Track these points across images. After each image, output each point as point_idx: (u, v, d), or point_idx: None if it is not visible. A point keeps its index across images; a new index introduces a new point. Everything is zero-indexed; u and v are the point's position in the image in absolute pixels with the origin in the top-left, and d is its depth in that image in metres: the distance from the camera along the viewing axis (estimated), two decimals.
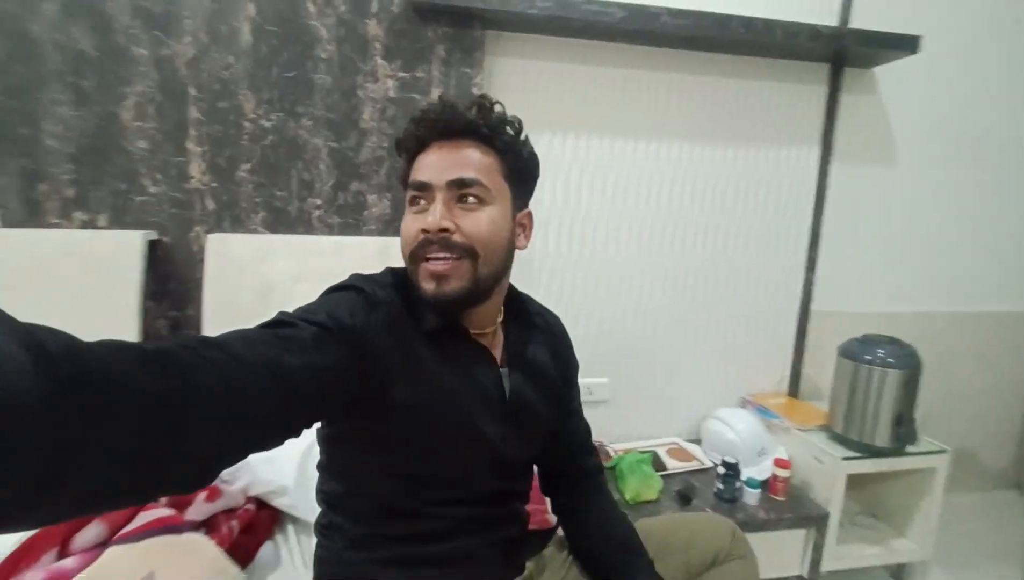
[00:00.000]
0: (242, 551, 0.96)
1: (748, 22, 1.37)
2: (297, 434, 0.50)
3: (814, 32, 1.41)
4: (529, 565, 0.78)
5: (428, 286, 0.62)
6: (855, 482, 1.41)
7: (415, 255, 0.63)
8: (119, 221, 1.28)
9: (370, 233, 1.38)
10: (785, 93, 1.57)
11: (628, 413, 1.64)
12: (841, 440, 1.41)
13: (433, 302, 0.62)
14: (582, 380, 1.55)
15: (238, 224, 1.32)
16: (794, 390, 1.72)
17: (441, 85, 1.35)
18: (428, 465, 0.66)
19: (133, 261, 1.22)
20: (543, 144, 1.46)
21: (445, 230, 0.61)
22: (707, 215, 1.60)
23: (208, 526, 0.95)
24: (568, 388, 0.84)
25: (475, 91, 1.36)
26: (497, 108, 0.66)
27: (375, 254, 1.32)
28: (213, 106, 1.27)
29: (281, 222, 1.34)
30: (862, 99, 1.62)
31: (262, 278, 1.28)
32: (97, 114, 1.23)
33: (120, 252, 1.22)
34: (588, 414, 1.63)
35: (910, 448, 1.40)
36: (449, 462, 0.67)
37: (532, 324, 0.78)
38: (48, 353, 0.28)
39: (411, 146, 0.66)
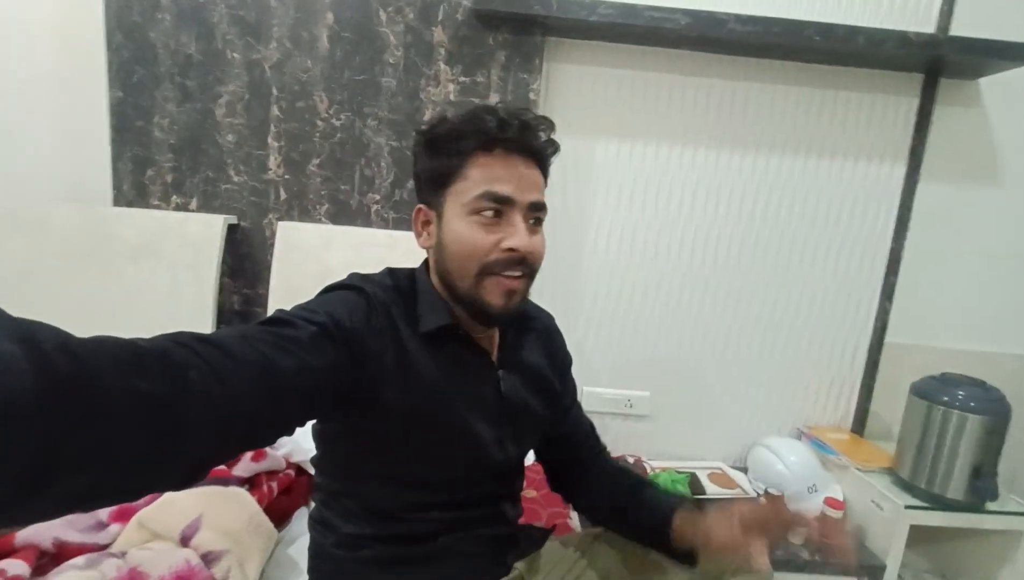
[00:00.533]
0: (278, 512, 1.04)
1: (826, 29, 1.29)
2: (290, 432, 0.50)
3: (903, 39, 1.29)
4: (520, 565, 0.76)
5: (498, 301, 0.62)
6: (922, 536, 1.27)
7: (488, 268, 0.62)
8: (207, 205, 1.43)
9: None
10: (866, 104, 1.46)
11: (670, 430, 1.59)
12: (907, 487, 1.28)
13: (497, 316, 0.64)
14: (621, 391, 1.56)
15: (305, 214, 1.44)
16: (859, 427, 1.58)
17: (499, 91, 1.39)
18: (423, 466, 0.65)
19: (214, 242, 1.37)
20: (599, 150, 1.46)
21: (531, 251, 0.63)
22: (771, 230, 1.51)
23: (251, 483, 1.04)
24: (563, 383, 0.82)
25: (531, 96, 1.38)
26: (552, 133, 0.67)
27: None
28: (292, 105, 1.39)
29: (343, 214, 1.44)
30: (961, 112, 1.46)
31: (323, 264, 1.38)
32: (197, 110, 1.39)
33: (205, 233, 1.37)
34: (626, 427, 1.60)
35: (991, 506, 1.24)
36: (444, 463, 0.66)
37: (529, 326, 0.78)
38: (44, 351, 0.28)
39: (470, 147, 0.62)
